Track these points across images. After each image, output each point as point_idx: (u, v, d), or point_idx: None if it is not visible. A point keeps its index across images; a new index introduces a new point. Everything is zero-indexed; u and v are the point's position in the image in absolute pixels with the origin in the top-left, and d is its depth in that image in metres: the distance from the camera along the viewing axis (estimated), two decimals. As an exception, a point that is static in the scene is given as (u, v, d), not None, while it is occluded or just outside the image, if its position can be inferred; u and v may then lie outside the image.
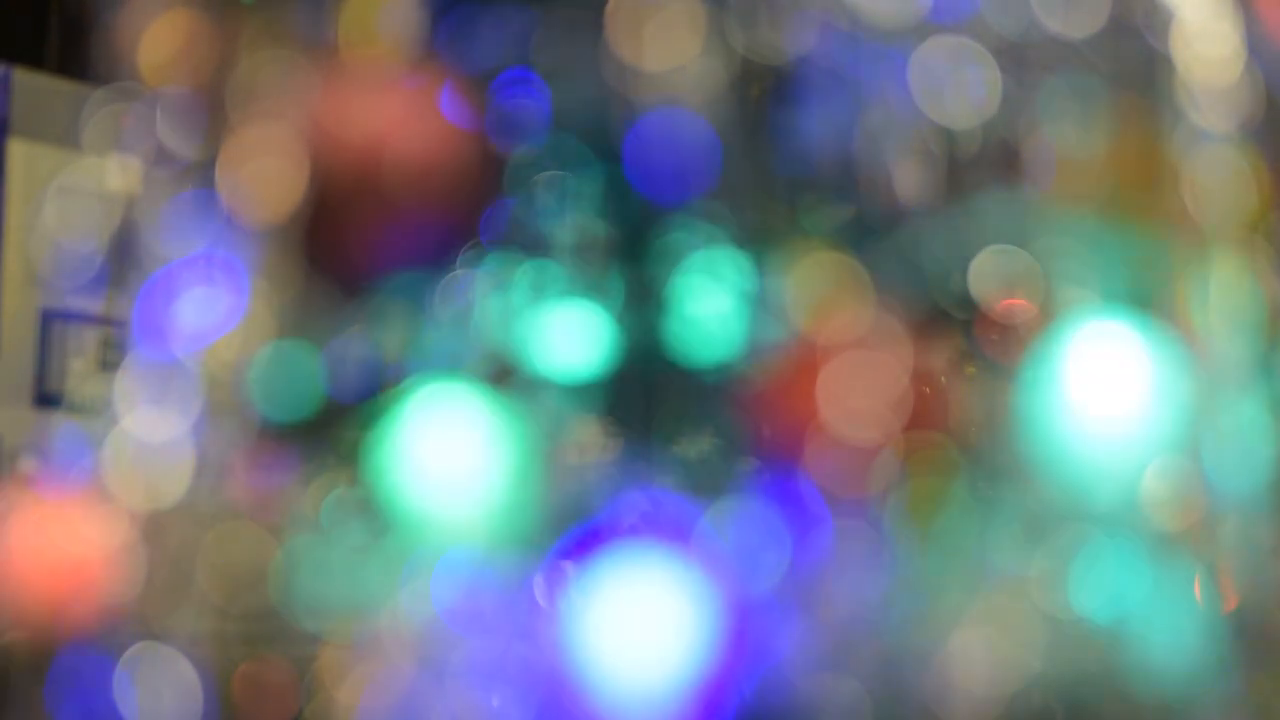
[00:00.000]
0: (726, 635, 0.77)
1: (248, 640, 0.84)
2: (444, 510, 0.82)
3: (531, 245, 0.86)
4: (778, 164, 0.85)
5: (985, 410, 0.83)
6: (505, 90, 0.86)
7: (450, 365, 0.85)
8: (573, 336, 0.84)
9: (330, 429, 0.86)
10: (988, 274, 0.83)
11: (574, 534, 0.81)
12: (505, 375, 0.84)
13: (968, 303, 0.84)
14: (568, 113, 0.85)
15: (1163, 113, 0.84)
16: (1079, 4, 0.83)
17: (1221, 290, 0.84)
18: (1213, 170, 0.84)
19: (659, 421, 0.85)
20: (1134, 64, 0.84)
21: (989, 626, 0.78)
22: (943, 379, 0.84)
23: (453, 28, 0.86)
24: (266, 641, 0.84)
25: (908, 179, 0.84)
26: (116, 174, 0.92)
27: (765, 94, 0.84)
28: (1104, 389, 0.81)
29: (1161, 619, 0.80)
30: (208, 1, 0.89)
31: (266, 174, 0.85)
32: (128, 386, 0.86)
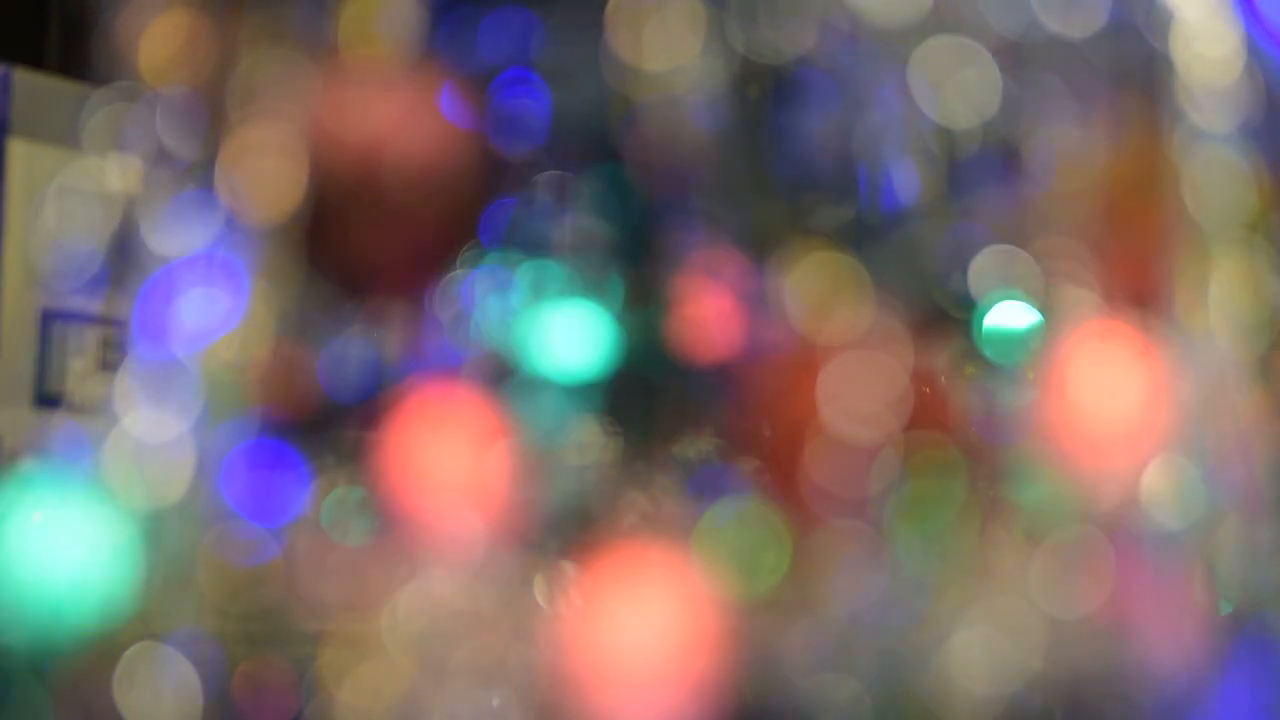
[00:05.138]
0: (726, 635, 0.77)
1: (248, 640, 0.84)
2: (442, 509, 0.82)
3: (531, 245, 0.86)
4: (778, 164, 0.85)
5: (985, 410, 0.83)
6: (505, 90, 0.86)
7: (450, 365, 0.85)
8: (573, 336, 0.84)
9: (330, 429, 0.86)
10: (988, 274, 0.83)
11: (574, 534, 0.81)
12: (505, 375, 0.84)
13: (968, 303, 0.84)
14: (568, 113, 0.85)
15: (1163, 113, 0.84)
16: (1079, 4, 0.83)
17: (1221, 290, 0.84)
18: (1213, 170, 0.84)
19: (659, 421, 0.85)
20: (1134, 64, 0.84)
21: (989, 626, 0.78)
22: (943, 379, 0.84)
23: (453, 28, 0.86)
24: (266, 641, 0.84)
25: (908, 179, 0.84)
26: (116, 174, 0.92)
27: (765, 94, 0.84)
28: (1104, 389, 0.81)
29: (1161, 619, 0.80)
30: (208, 1, 0.89)
31: (266, 174, 0.85)
32: (128, 386, 0.86)
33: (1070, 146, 0.84)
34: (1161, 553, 0.81)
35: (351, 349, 0.87)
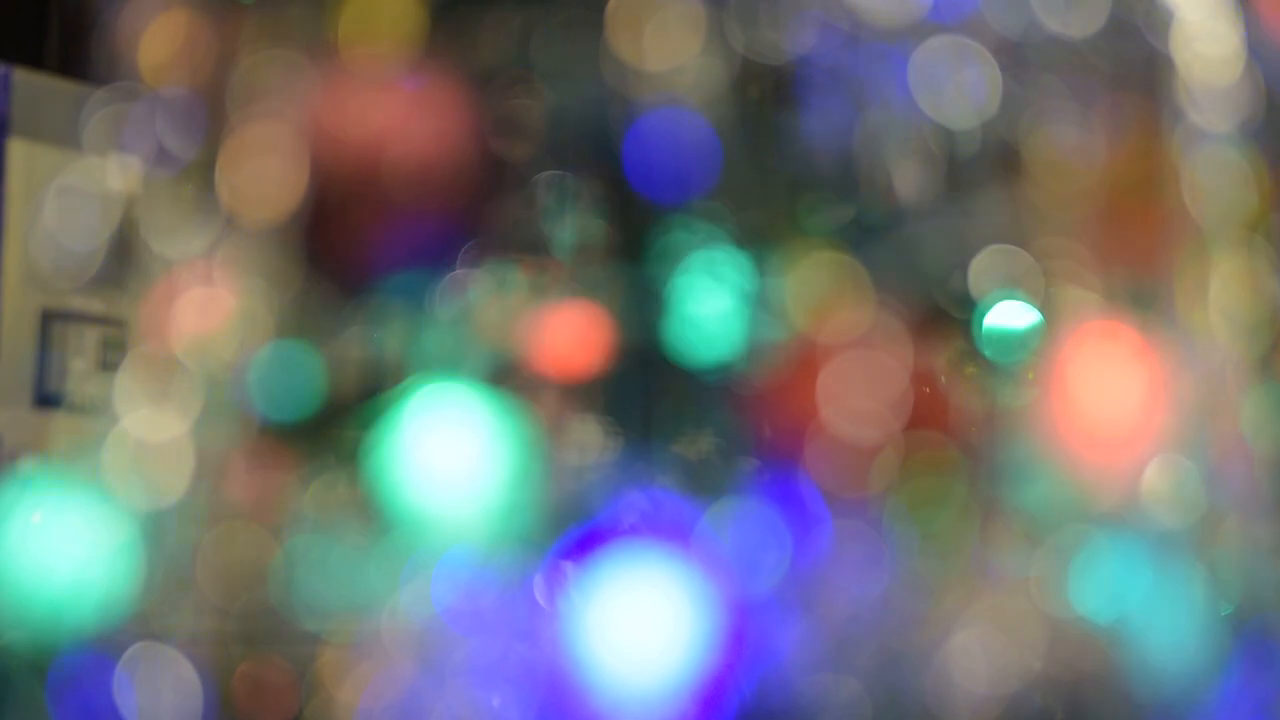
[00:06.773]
0: (726, 635, 0.77)
1: (248, 640, 0.84)
2: (444, 510, 0.82)
3: (531, 245, 0.86)
4: (778, 164, 0.85)
5: (985, 410, 0.83)
6: (505, 90, 0.86)
7: (450, 365, 0.85)
8: (573, 336, 0.84)
9: (330, 429, 0.86)
10: (988, 274, 0.83)
11: (574, 534, 0.81)
12: (505, 375, 0.84)
13: (968, 303, 0.84)
14: (568, 113, 0.86)
15: (1163, 113, 0.84)
16: (1079, 4, 0.83)
17: (1221, 290, 0.84)
18: (1213, 170, 0.84)
19: (659, 421, 0.85)
20: (1134, 64, 0.84)
21: (989, 626, 0.78)
22: (943, 379, 0.84)
23: (453, 28, 0.86)
24: (266, 641, 0.84)
25: (908, 179, 0.84)
26: (116, 174, 0.92)
27: (765, 94, 0.85)
28: (1104, 389, 0.81)
29: (1161, 619, 0.80)
30: (208, 1, 0.89)
31: (266, 174, 0.85)
32: (128, 386, 0.86)
33: (1070, 146, 0.84)
34: (1161, 553, 0.81)
35: (351, 349, 0.87)
